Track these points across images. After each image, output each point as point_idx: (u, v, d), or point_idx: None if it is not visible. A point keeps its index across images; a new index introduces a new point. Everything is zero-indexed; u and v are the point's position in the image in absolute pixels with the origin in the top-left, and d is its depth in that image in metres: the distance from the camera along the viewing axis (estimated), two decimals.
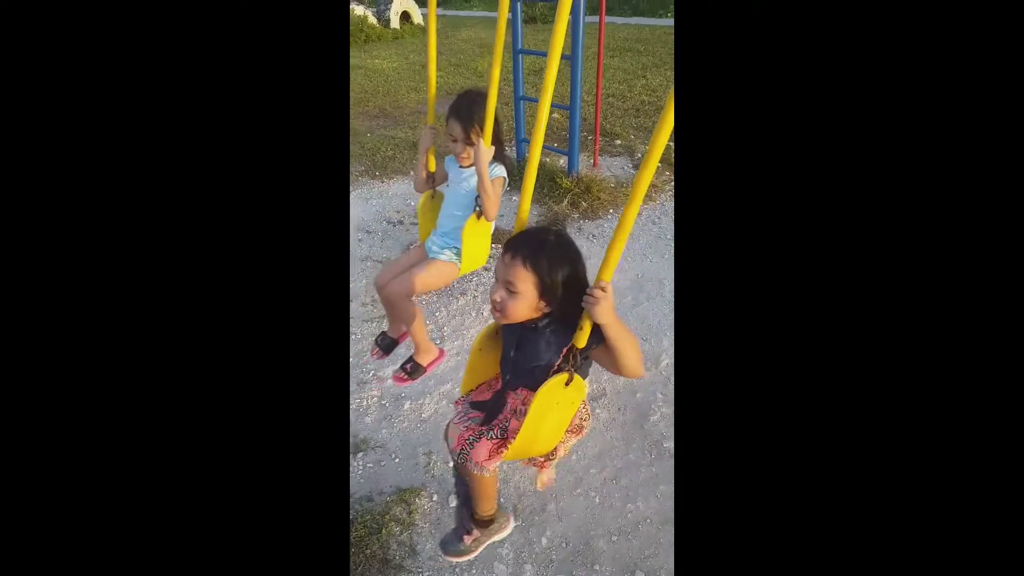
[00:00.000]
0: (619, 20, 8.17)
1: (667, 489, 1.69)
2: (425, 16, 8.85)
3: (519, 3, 3.15)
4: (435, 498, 1.70)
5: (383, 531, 1.57)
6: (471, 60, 6.46)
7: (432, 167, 1.86)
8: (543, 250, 1.03)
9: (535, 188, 1.24)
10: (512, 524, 1.46)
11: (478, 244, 1.76)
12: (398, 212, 3.32)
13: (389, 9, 8.07)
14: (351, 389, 2.08)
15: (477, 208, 1.71)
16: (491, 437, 1.17)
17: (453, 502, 1.59)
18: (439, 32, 8.29)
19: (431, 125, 1.80)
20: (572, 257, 1.06)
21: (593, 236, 3.04)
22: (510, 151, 3.54)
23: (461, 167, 1.82)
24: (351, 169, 3.79)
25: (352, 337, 2.33)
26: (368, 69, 6.46)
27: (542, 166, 3.44)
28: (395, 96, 5.38)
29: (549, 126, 3.99)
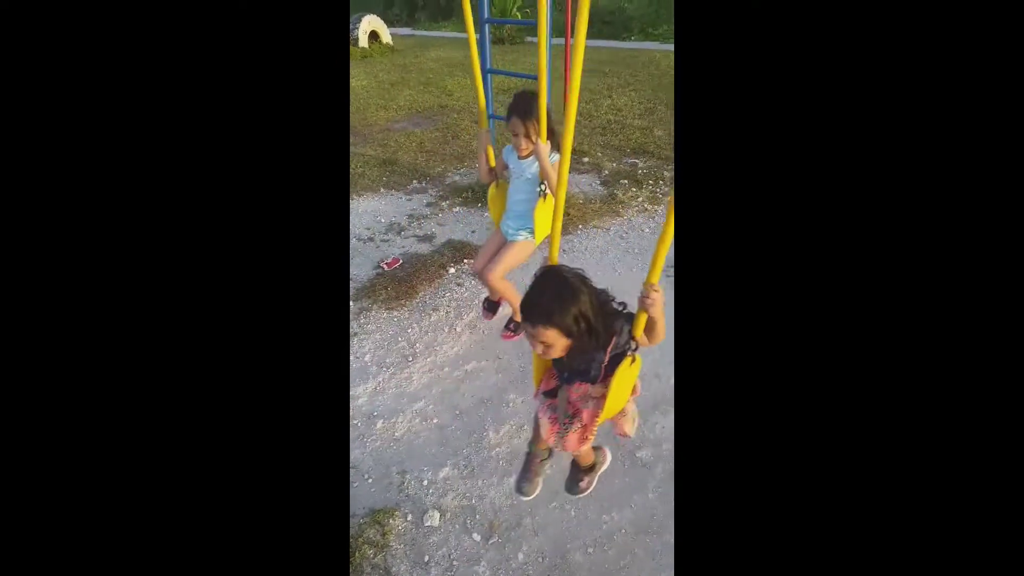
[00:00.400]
0: (587, 43, 8.40)
1: (641, 498, 1.71)
2: (395, 36, 8.90)
3: (487, 25, 3.22)
4: (409, 518, 1.67)
5: (356, 555, 1.54)
6: (440, 79, 6.52)
7: (492, 162, 2.18)
8: (551, 307, 1.19)
9: None
10: (609, 454, 1.69)
11: (549, 219, 2.09)
12: (368, 229, 3.30)
13: (357, 28, 8.10)
14: None
15: (543, 191, 2.06)
16: (574, 429, 1.41)
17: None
18: (409, 51, 8.35)
19: (485, 128, 2.17)
20: (575, 292, 1.21)
21: (563, 251, 3.08)
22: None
23: (520, 158, 2.11)
24: None
25: None
26: None
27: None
28: (364, 114, 5.37)
29: None
